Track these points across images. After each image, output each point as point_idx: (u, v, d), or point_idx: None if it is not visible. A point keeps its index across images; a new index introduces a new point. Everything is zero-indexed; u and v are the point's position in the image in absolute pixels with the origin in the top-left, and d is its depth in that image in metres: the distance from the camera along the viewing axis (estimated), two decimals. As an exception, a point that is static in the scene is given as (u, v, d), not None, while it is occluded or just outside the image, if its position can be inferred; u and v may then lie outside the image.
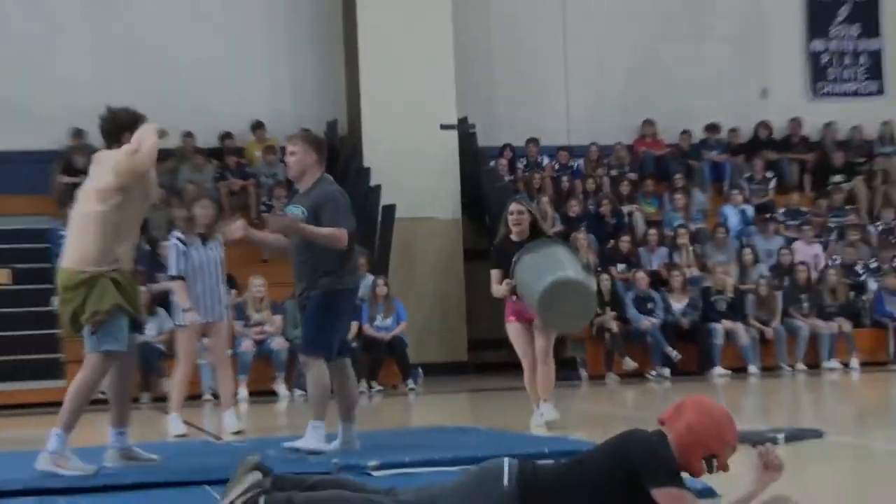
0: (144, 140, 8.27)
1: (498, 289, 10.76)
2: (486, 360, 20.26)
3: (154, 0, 20.57)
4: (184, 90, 20.28)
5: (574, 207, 20.06)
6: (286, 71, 21.16)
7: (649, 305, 18.17)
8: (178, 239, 11.35)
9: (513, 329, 10.98)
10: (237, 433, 11.10)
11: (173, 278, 11.53)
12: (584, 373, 17.88)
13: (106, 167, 8.40)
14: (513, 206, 10.87)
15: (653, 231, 19.73)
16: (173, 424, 11.31)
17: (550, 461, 5.87)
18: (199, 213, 11.35)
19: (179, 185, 19.42)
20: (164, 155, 19.70)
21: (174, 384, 11.57)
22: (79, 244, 8.29)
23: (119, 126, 8.52)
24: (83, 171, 20.66)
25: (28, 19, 20.19)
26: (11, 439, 12.44)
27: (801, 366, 18.21)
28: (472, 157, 20.54)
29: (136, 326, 8.64)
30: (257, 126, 20.58)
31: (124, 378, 8.54)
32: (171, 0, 20.62)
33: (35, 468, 8.11)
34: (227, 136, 20.58)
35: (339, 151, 20.74)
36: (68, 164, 18.54)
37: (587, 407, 14.96)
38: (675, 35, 22.64)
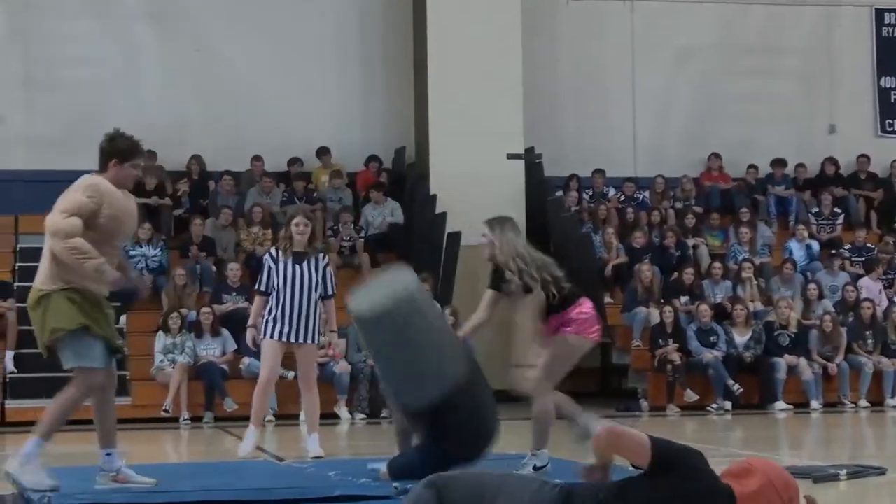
0: (68, 237, 7.95)
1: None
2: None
3: (229, 27, 20.83)
4: (254, 115, 20.57)
5: (639, 239, 20.07)
6: (356, 98, 21.31)
7: (712, 338, 18.11)
8: (270, 255, 11.40)
9: None
10: (316, 458, 10.86)
11: (254, 292, 11.78)
12: (644, 404, 17.88)
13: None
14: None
15: (717, 264, 19.67)
16: (244, 442, 11.13)
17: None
18: (294, 231, 11.28)
19: (246, 208, 19.65)
20: (232, 177, 20.12)
21: (254, 397, 11.35)
22: (42, 263, 8.17)
23: (112, 151, 8.46)
24: (154, 192, 20.80)
25: (103, 42, 20.50)
26: (76, 454, 12.57)
27: (864, 402, 18.09)
28: (538, 186, 20.57)
29: (114, 350, 8.35)
30: (323, 152, 20.75)
31: (105, 398, 8.39)
32: (246, 28, 20.87)
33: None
34: (295, 160, 20.75)
35: (406, 178, 20.87)
36: (139, 184, 18.71)
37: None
38: (742, 70, 22.62)
